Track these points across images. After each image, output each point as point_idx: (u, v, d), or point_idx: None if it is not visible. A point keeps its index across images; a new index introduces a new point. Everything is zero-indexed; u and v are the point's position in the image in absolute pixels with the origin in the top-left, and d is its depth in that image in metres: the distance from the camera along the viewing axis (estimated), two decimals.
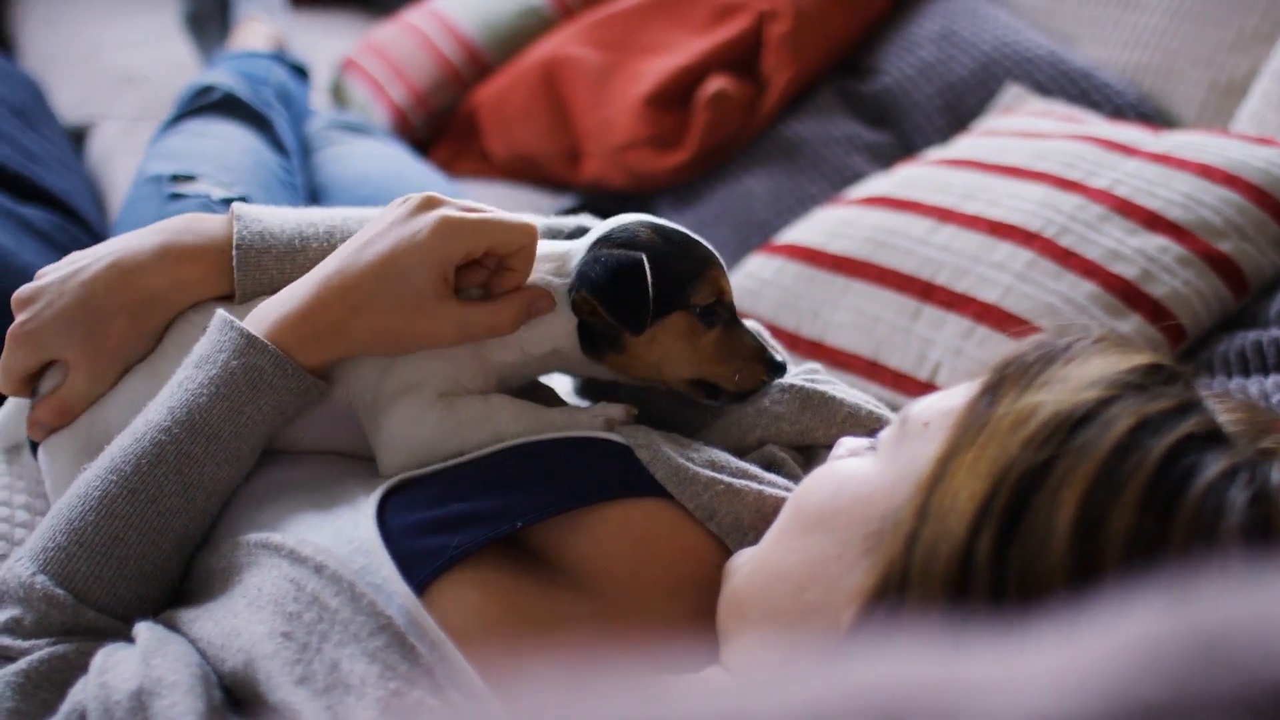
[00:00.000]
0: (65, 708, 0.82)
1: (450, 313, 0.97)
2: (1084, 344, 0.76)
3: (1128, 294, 1.48)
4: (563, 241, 1.06)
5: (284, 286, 1.04)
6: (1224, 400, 0.75)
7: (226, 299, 1.10)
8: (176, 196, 1.61)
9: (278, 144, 1.89)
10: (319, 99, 2.71)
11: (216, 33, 2.69)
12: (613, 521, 0.94)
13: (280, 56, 2.39)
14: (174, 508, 0.93)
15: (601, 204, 2.24)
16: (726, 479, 0.96)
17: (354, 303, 0.97)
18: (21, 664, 0.85)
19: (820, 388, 1.08)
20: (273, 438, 1.02)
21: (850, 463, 0.85)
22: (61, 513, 0.93)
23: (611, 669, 0.84)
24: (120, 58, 2.86)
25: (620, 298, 0.97)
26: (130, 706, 0.78)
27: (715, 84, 2.09)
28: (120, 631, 0.90)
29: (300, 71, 2.42)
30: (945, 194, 1.66)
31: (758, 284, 1.75)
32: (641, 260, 0.97)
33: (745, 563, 0.89)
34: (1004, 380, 0.75)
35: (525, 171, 2.34)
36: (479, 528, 0.89)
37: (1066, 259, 1.51)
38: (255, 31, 2.58)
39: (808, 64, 2.10)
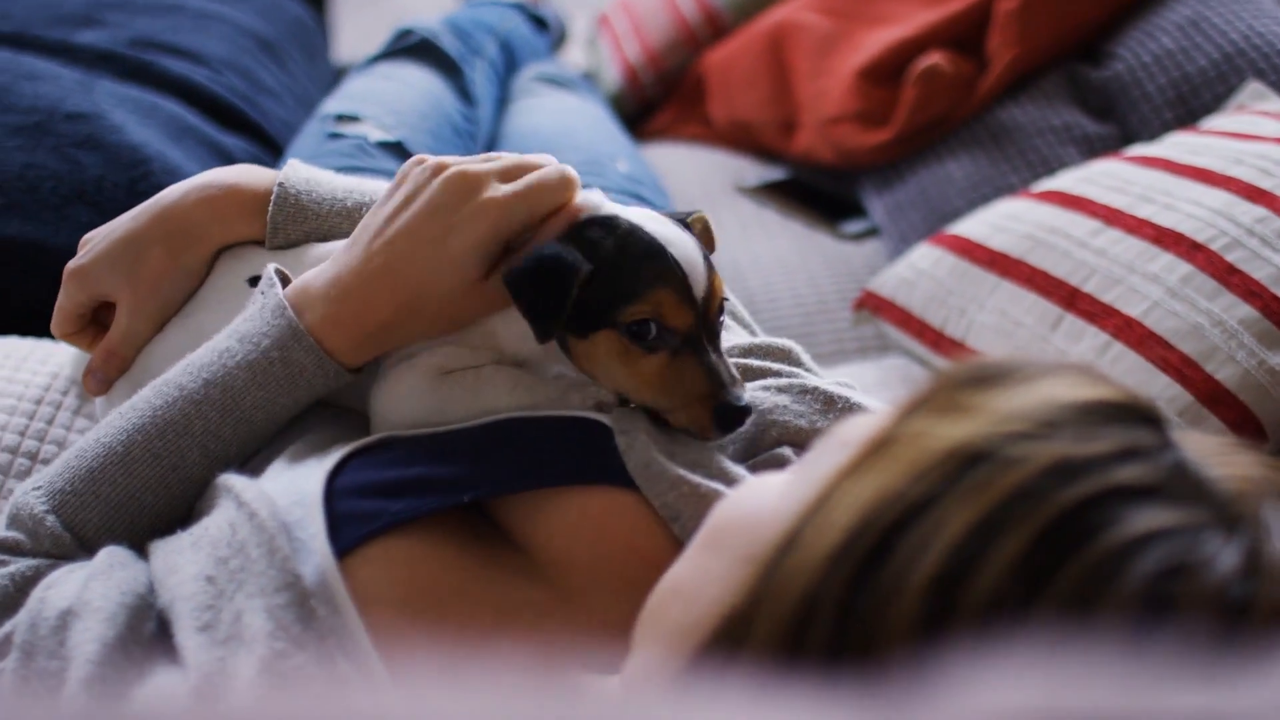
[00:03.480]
0: (18, 615, 0.86)
1: (489, 289, 0.98)
2: (1037, 369, 0.66)
3: None
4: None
5: (313, 239, 1.10)
6: (1232, 455, 0.64)
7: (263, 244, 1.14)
8: (335, 136, 1.71)
9: (464, 92, 1.97)
10: (576, 53, 2.79)
11: None
12: (571, 508, 0.92)
13: (523, 6, 2.49)
14: (195, 476, 0.97)
15: (811, 178, 2.21)
16: (696, 480, 0.90)
17: (405, 301, 0.97)
18: (10, 568, 0.91)
19: (847, 394, 1.03)
20: None
21: (765, 479, 0.80)
22: (84, 458, 0.97)
23: (518, 662, 0.84)
24: (405, 1, 3.04)
25: (530, 298, 0.94)
26: (55, 625, 0.82)
27: (929, 60, 2.01)
28: None
29: (541, 23, 2.51)
30: (1122, 194, 1.55)
31: (914, 274, 1.69)
32: (566, 264, 0.93)
33: None
34: (928, 400, 0.66)
35: (741, 139, 2.34)
36: (426, 496, 0.89)
37: (1229, 276, 1.38)
38: None
39: (1035, 45, 1.98)
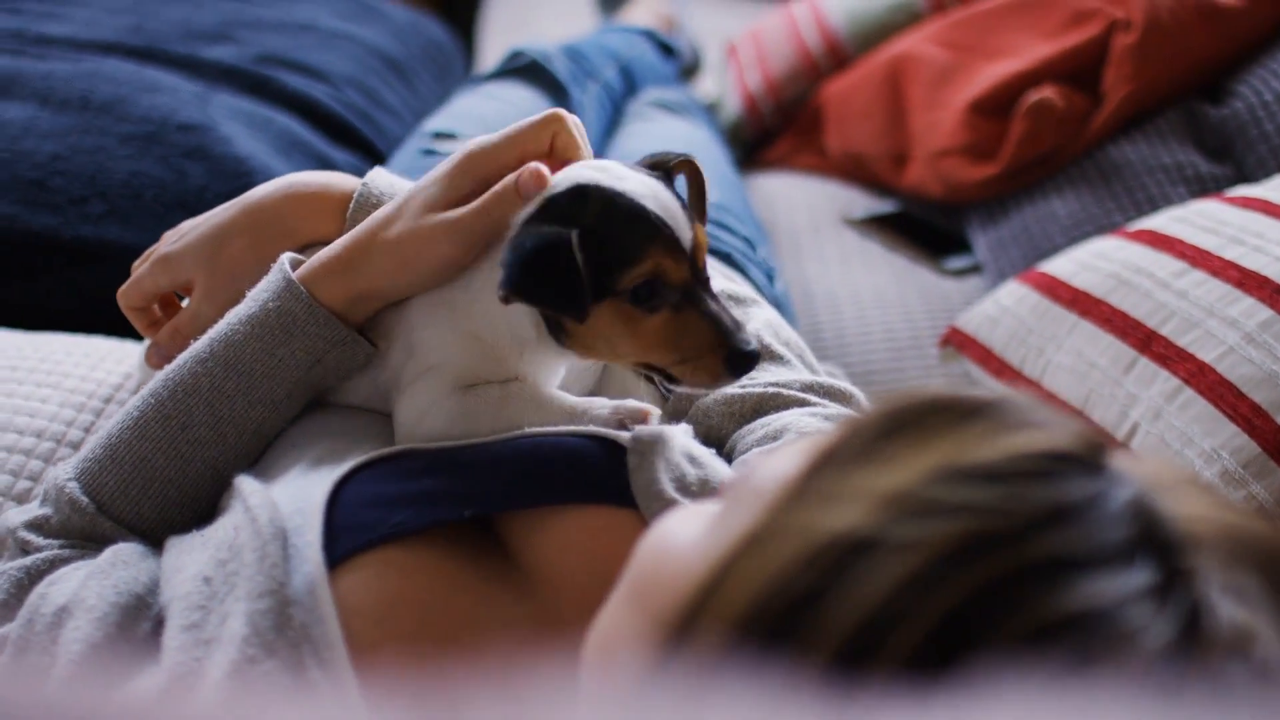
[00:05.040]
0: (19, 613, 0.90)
1: (457, 223, 0.99)
2: (948, 417, 0.59)
3: None
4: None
5: None
6: (1189, 491, 0.58)
7: None
8: (429, 153, 1.75)
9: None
10: (709, 82, 2.81)
11: (617, 4, 2.87)
12: (573, 527, 0.92)
13: (652, 33, 2.51)
14: (203, 438, 1.01)
15: (920, 212, 2.17)
16: (690, 503, 0.88)
17: (372, 225, 1.03)
18: (27, 561, 0.95)
19: None
20: (330, 391, 1.09)
21: (692, 514, 0.73)
22: (106, 428, 1.03)
23: (494, 681, 0.83)
24: (546, 25, 3.11)
25: (546, 287, 0.92)
26: (51, 621, 0.86)
27: (1039, 94, 1.96)
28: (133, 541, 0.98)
29: (668, 50, 2.53)
30: (1213, 235, 1.49)
31: (998, 311, 1.65)
32: (554, 241, 0.91)
33: None
34: (833, 456, 0.60)
35: (854, 171, 2.31)
36: (427, 509, 0.90)
37: None
38: (644, 7, 2.73)
39: (1152, 81, 1.91)
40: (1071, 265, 1.61)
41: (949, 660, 0.51)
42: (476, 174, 1.00)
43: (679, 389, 1.00)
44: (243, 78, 2.07)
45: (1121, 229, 1.67)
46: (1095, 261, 1.58)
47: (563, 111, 1.02)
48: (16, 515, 1.01)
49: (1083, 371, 1.49)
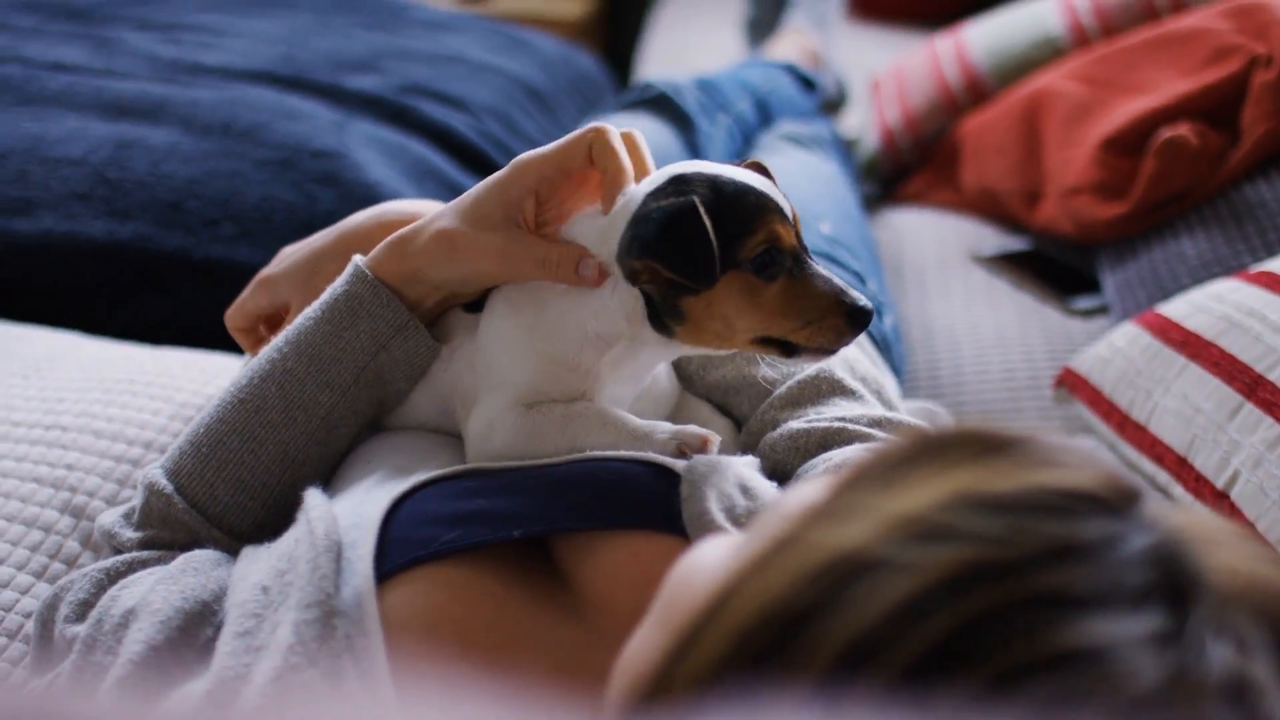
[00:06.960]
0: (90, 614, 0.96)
1: (508, 236, 1.04)
2: (964, 451, 0.59)
3: None
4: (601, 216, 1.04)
5: None
6: (1232, 543, 0.57)
7: None
8: None
9: (694, 145, 2.02)
10: (854, 117, 2.80)
11: (765, 38, 2.89)
12: (622, 552, 0.93)
13: (792, 67, 2.52)
14: (275, 421, 1.07)
15: (1052, 251, 2.13)
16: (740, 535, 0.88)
17: (435, 220, 1.08)
18: (107, 563, 1.01)
19: None
20: (399, 411, 1.14)
21: (713, 547, 0.73)
22: (196, 420, 1.10)
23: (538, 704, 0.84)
24: (699, 59, 3.15)
25: (681, 250, 0.96)
26: (118, 622, 0.91)
27: (1171, 131, 1.90)
28: (207, 535, 1.05)
29: (809, 84, 2.53)
30: None
31: (1111, 353, 1.61)
32: (694, 204, 0.95)
33: None
34: (855, 481, 0.61)
35: (987, 207, 2.28)
36: (478, 528, 0.93)
37: None
38: (790, 41, 2.74)
39: None
40: (1186, 307, 1.56)
41: (936, 687, 0.50)
42: (522, 184, 1.04)
43: (798, 359, 1.02)
44: (383, 106, 2.14)
45: (1245, 271, 1.61)
46: (1209, 303, 1.53)
47: (603, 125, 1.05)
48: (110, 514, 1.08)
49: (1188, 416, 1.44)
